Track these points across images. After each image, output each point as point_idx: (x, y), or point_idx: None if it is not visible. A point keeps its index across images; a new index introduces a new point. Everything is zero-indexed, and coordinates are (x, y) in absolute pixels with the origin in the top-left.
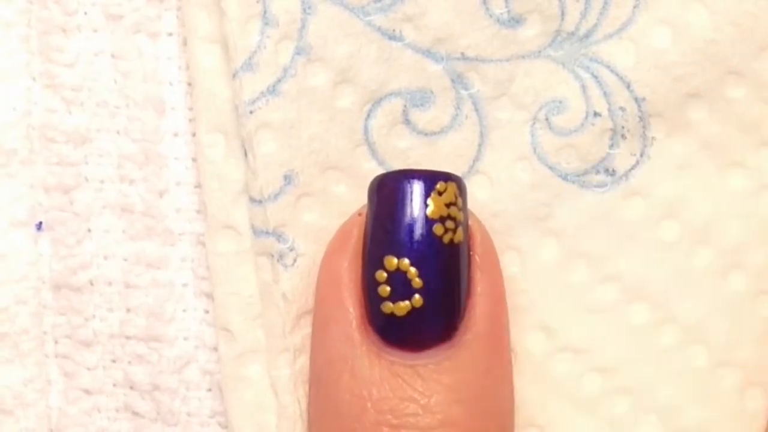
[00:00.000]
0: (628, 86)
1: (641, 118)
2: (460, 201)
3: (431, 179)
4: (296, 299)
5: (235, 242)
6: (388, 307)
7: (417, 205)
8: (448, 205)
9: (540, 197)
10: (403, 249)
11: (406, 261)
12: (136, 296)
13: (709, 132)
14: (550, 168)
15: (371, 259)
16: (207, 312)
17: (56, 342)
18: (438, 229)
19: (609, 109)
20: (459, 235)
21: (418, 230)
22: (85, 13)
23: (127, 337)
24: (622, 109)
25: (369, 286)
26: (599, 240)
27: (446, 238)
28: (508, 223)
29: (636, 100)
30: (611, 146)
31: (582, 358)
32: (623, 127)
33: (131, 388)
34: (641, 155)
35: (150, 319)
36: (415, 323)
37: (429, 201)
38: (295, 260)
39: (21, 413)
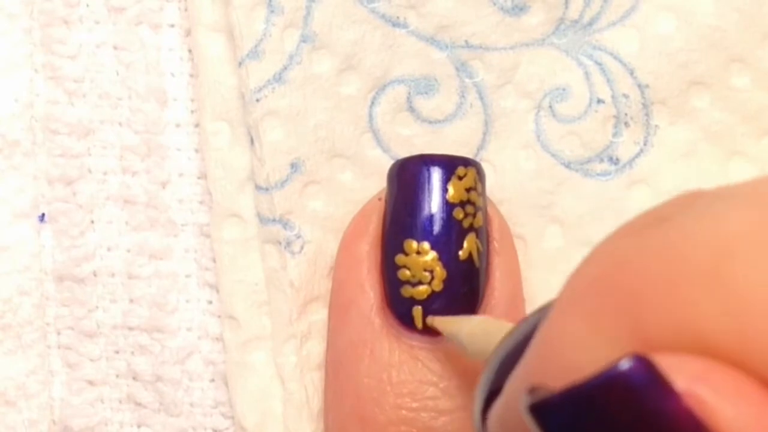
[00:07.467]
0: (632, 73)
1: (644, 105)
2: (479, 186)
3: (451, 164)
4: (303, 286)
5: (240, 230)
6: (407, 290)
7: (437, 189)
8: (467, 190)
9: (544, 185)
10: (424, 233)
11: (426, 245)
12: (139, 287)
13: (711, 120)
14: (554, 156)
15: (391, 243)
16: (210, 302)
17: (59, 333)
18: (458, 213)
19: (612, 96)
20: (479, 220)
21: (439, 214)
22: (87, 5)
23: (130, 328)
24: (626, 95)
25: (389, 270)
26: (603, 228)
27: (466, 223)
28: (512, 210)
29: (639, 86)
30: (615, 134)
31: None
32: (626, 114)
33: (134, 378)
34: (644, 144)
35: (153, 310)
36: (435, 307)
37: (449, 186)
38: (302, 247)
39: (24, 404)
